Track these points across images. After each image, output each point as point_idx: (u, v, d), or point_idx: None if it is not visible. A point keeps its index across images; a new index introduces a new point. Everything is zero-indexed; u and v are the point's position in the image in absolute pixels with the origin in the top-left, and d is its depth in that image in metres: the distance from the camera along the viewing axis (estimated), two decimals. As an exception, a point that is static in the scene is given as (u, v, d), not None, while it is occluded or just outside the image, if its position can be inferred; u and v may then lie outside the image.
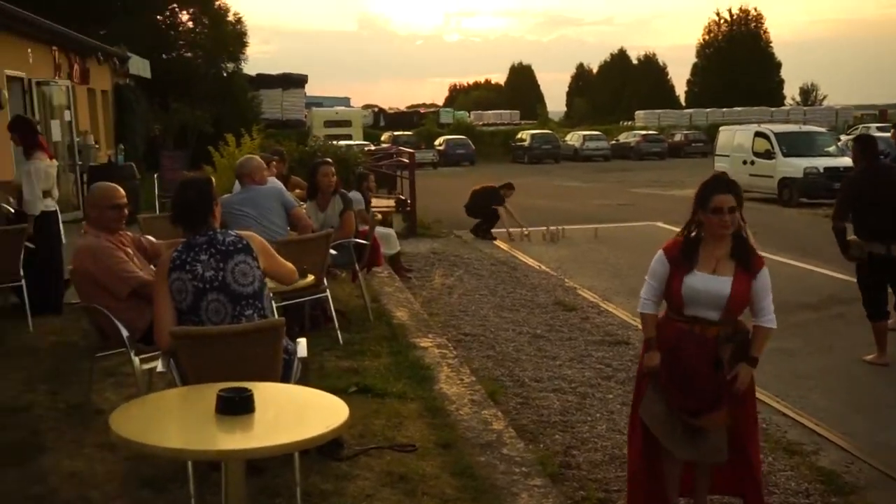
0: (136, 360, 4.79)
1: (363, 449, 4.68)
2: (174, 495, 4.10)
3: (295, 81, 43.60)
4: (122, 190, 5.25)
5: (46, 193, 7.85)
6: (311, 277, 5.57)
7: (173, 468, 4.15)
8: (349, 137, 34.03)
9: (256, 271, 4.11)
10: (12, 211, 8.34)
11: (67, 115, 15.79)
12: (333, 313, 7.04)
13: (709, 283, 3.89)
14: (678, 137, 48.75)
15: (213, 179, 4.39)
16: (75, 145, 15.91)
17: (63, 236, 8.68)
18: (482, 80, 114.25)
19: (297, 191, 9.37)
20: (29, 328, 7.31)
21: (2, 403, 5.54)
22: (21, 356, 6.66)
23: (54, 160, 8.34)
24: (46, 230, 7.85)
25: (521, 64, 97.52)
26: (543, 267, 12.44)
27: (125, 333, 4.84)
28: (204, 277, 3.98)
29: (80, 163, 15.78)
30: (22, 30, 14.11)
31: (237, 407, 2.78)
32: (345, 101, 67.92)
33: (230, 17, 33.45)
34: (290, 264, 4.52)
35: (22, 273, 7.36)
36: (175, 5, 32.54)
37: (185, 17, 33.07)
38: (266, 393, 3.08)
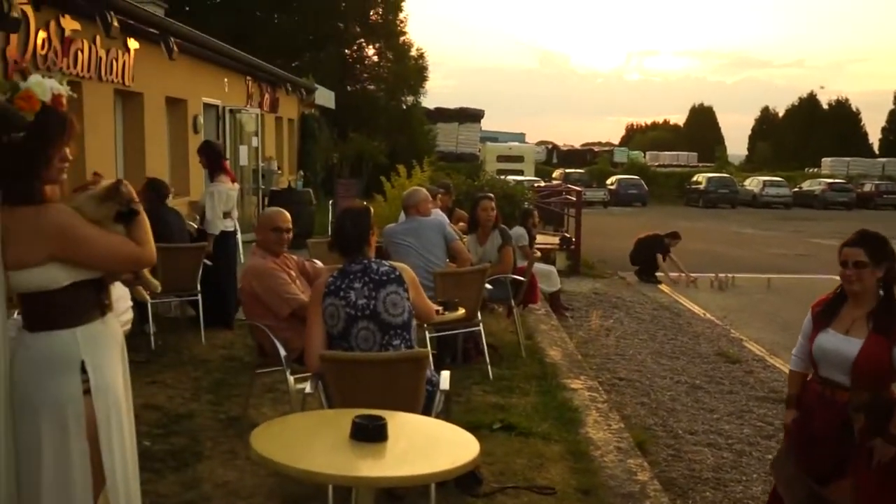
0: (291, 378, 4.97)
1: (501, 487, 4.65)
2: (313, 514, 4.21)
3: (471, 116, 44.48)
4: (287, 215, 5.50)
5: (226, 214, 8.34)
6: (461, 310, 5.60)
7: (315, 488, 4.26)
8: (521, 173, 34.27)
9: (406, 303, 4.19)
10: (196, 227, 8.92)
11: (255, 142, 16.77)
12: (485, 347, 7.07)
13: (838, 344, 3.68)
14: (868, 187, 45.86)
15: (372, 209, 4.52)
16: (260, 170, 16.88)
17: (241, 256, 9.19)
18: (660, 121, 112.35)
19: (461, 224, 9.50)
20: (202, 340, 7.77)
21: (170, 410, 5.91)
22: (192, 366, 7.08)
23: (236, 184, 8.85)
24: (224, 249, 8.34)
25: (701, 105, 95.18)
26: (708, 315, 12.00)
27: (282, 352, 5.06)
28: (356, 305, 4.10)
29: (262, 187, 16.71)
30: (221, 61, 15.16)
31: (370, 434, 2.83)
32: (519, 137, 68.30)
33: (413, 52, 34.66)
34: (432, 305, 4.67)
35: (199, 288, 7.84)
36: (362, 40, 34.05)
37: (370, 51, 34.57)
38: (400, 423, 3.13)
